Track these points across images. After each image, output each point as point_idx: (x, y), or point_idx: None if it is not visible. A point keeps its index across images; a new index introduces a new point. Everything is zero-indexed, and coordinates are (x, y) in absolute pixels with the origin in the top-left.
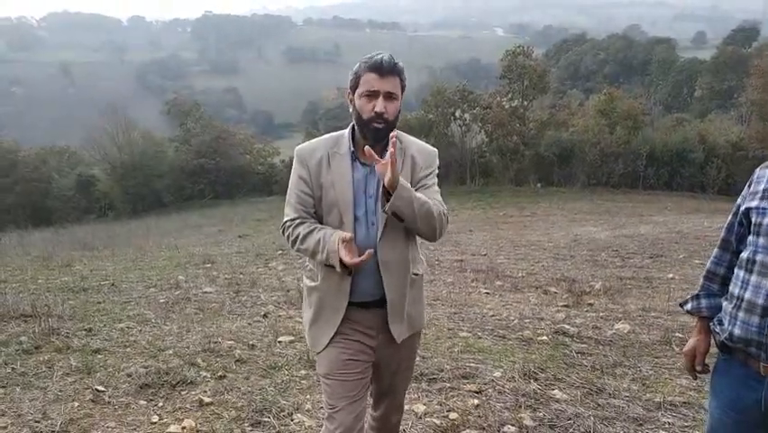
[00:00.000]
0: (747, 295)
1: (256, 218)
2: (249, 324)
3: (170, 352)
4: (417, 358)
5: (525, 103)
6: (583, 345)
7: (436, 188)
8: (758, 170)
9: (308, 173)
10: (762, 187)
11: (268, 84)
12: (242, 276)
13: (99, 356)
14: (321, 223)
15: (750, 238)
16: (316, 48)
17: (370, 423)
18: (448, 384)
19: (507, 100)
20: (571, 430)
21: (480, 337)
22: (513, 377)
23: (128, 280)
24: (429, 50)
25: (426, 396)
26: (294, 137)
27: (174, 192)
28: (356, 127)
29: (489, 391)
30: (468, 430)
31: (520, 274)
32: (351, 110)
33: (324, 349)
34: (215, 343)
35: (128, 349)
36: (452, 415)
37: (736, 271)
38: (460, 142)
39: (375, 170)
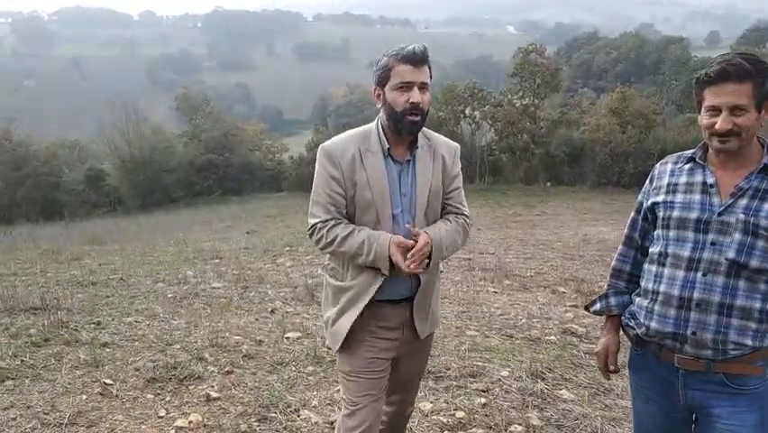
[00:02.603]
0: (662, 288)
1: (264, 214)
2: (256, 319)
3: (178, 346)
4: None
5: (537, 101)
6: (591, 346)
7: (462, 191)
8: (658, 165)
9: (340, 172)
10: (665, 181)
11: (277, 80)
12: (249, 272)
13: (108, 350)
14: (352, 222)
15: (658, 232)
16: (326, 44)
17: (382, 418)
18: (455, 383)
19: (518, 98)
20: (578, 430)
21: (488, 336)
22: (520, 376)
23: (136, 274)
24: (440, 47)
25: (433, 394)
26: (303, 134)
27: (183, 187)
28: (388, 122)
29: (496, 390)
30: (474, 429)
31: (529, 273)
32: (379, 106)
33: (347, 346)
34: (223, 338)
35: (136, 343)
36: (459, 413)
37: (647, 266)
38: (469, 140)
39: (407, 166)
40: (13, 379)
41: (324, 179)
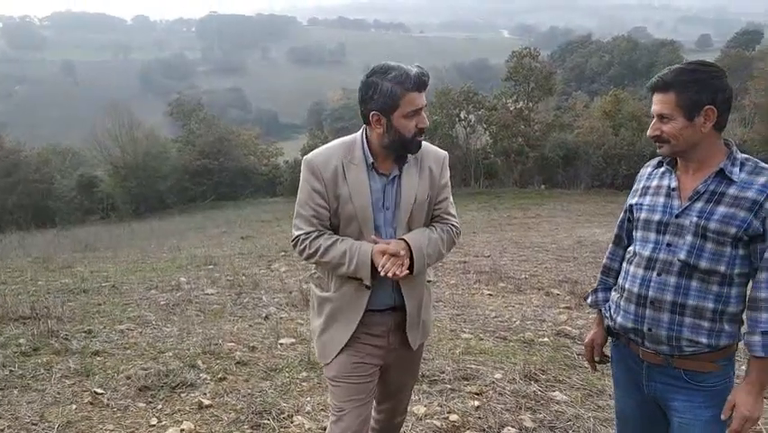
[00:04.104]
0: (627, 285)
1: (260, 220)
2: (250, 326)
3: (170, 354)
4: (421, 360)
5: (531, 105)
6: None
7: (451, 199)
8: (642, 168)
9: (323, 185)
10: (642, 184)
11: (272, 84)
12: (244, 278)
13: (98, 358)
14: (336, 234)
15: (633, 232)
16: (322, 48)
17: (372, 425)
18: (449, 386)
19: (512, 102)
20: (570, 432)
21: (482, 339)
22: (514, 379)
23: (129, 281)
24: (435, 50)
25: (427, 398)
26: (299, 138)
27: (177, 193)
28: (390, 144)
29: (490, 392)
30: (468, 432)
31: (523, 276)
32: (381, 131)
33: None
34: (216, 345)
35: (128, 351)
36: (453, 417)
37: (623, 264)
38: (464, 144)
39: (393, 181)
40: (1, 389)
41: (307, 192)
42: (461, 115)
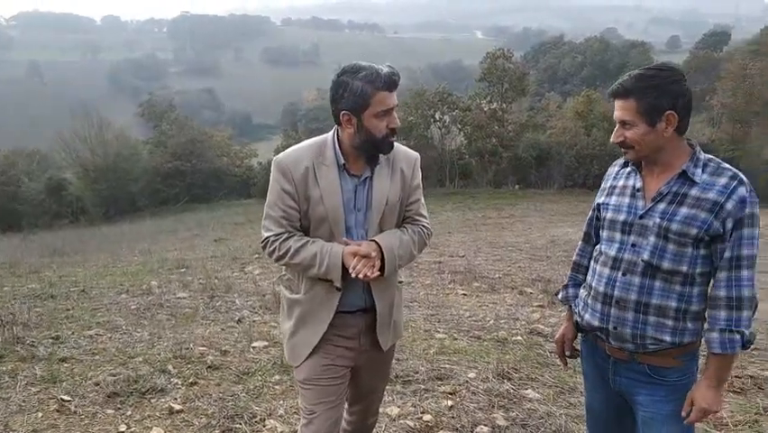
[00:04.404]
0: (594, 284)
1: (233, 222)
2: (222, 329)
3: (140, 359)
4: (392, 361)
5: (505, 105)
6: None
7: (422, 200)
8: (610, 167)
9: (294, 186)
10: (609, 183)
11: (246, 85)
12: (216, 281)
13: (66, 365)
14: (307, 235)
15: (600, 231)
16: (295, 49)
17: (344, 426)
18: (423, 386)
19: (486, 102)
20: (542, 429)
21: (456, 339)
22: (487, 378)
23: (99, 286)
24: (409, 51)
25: (401, 398)
26: (273, 139)
27: (149, 196)
28: (361, 145)
29: (463, 391)
30: (441, 432)
31: (497, 275)
32: (352, 131)
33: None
34: (187, 349)
35: (96, 357)
36: (426, 417)
37: (590, 262)
38: (439, 144)
39: (365, 183)
40: None
41: (276, 193)
42: (436, 116)
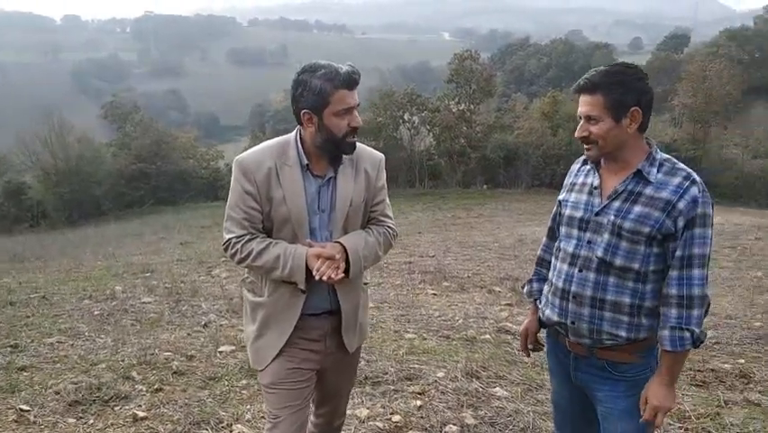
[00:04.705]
0: (554, 280)
1: (200, 225)
2: (188, 334)
3: (103, 366)
4: (362, 362)
5: (472, 106)
6: None
7: (387, 201)
8: (573, 164)
9: (255, 187)
10: (570, 180)
11: (212, 86)
12: (182, 285)
13: (25, 374)
14: (270, 237)
15: (560, 228)
16: (263, 49)
17: (310, 429)
18: (392, 387)
19: (454, 104)
20: (510, 427)
21: (426, 339)
22: (456, 377)
23: (61, 292)
24: (378, 52)
25: (370, 400)
26: (240, 140)
27: (113, 199)
28: (323, 145)
29: (432, 391)
30: (411, 432)
31: (466, 275)
32: (313, 130)
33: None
34: (152, 355)
35: (57, 365)
36: (396, 417)
37: (552, 258)
38: (408, 145)
39: (328, 183)
40: None
41: (238, 194)
42: (405, 117)
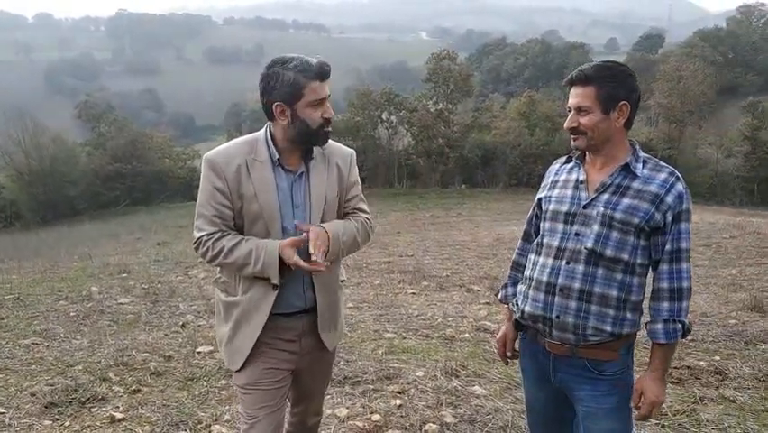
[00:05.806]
0: (535, 275)
1: (176, 225)
2: (166, 335)
3: (80, 367)
4: (342, 362)
5: (450, 106)
6: None
7: (361, 195)
8: (551, 165)
9: (226, 184)
10: (551, 179)
11: (188, 85)
12: (159, 285)
13: (0, 376)
14: (241, 234)
15: (540, 224)
16: (239, 48)
17: (287, 428)
18: (371, 386)
19: (432, 103)
20: (490, 425)
21: (405, 338)
22: (435, 375)
23: (35, 293)
24: (356, 52)
25: (350, 399)
26: (217, 140)
27: (88, 199)
28: (296, 137)
29: (412, 390)
30: (390, 431)
31: (446, 274)
32: (283, 122)
33: (242, 364)
34: (129, 356)
35: (33, 367)
36: (375, 417)
37: (530, 255)
38: (387, 145)
39: (301, 178)
40: None
41: (208, 192)
42: (383, 117)
